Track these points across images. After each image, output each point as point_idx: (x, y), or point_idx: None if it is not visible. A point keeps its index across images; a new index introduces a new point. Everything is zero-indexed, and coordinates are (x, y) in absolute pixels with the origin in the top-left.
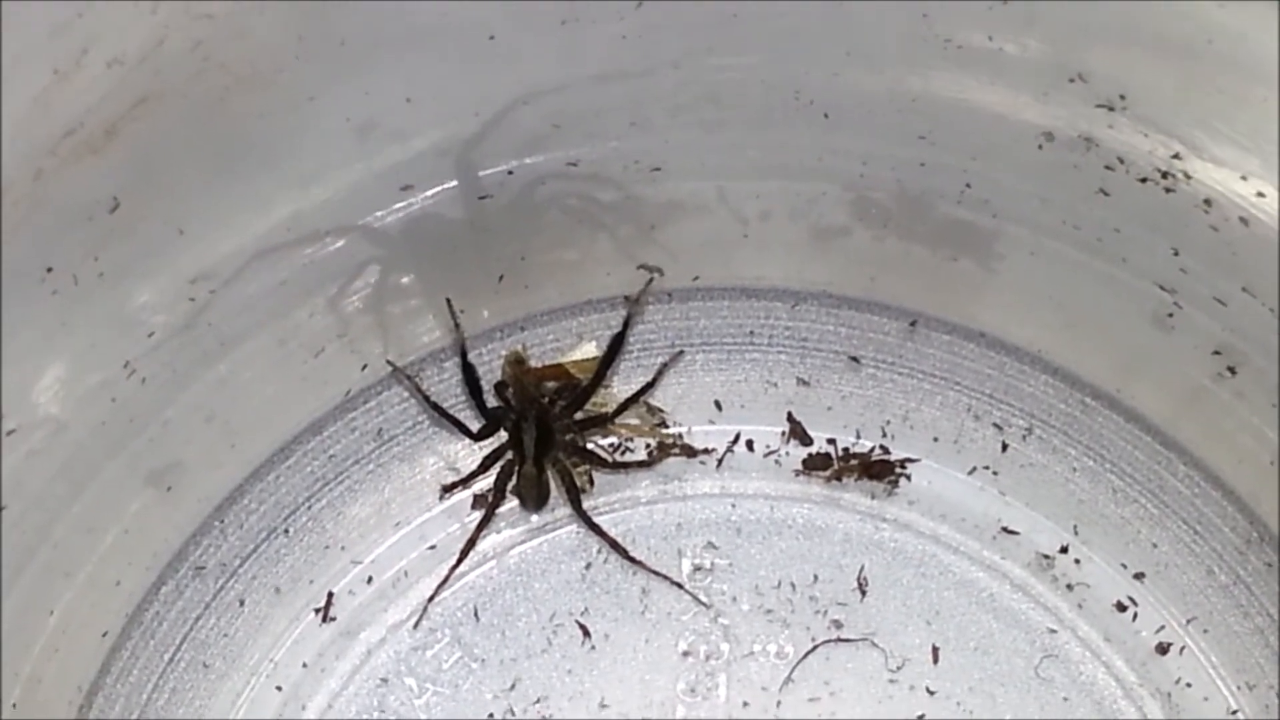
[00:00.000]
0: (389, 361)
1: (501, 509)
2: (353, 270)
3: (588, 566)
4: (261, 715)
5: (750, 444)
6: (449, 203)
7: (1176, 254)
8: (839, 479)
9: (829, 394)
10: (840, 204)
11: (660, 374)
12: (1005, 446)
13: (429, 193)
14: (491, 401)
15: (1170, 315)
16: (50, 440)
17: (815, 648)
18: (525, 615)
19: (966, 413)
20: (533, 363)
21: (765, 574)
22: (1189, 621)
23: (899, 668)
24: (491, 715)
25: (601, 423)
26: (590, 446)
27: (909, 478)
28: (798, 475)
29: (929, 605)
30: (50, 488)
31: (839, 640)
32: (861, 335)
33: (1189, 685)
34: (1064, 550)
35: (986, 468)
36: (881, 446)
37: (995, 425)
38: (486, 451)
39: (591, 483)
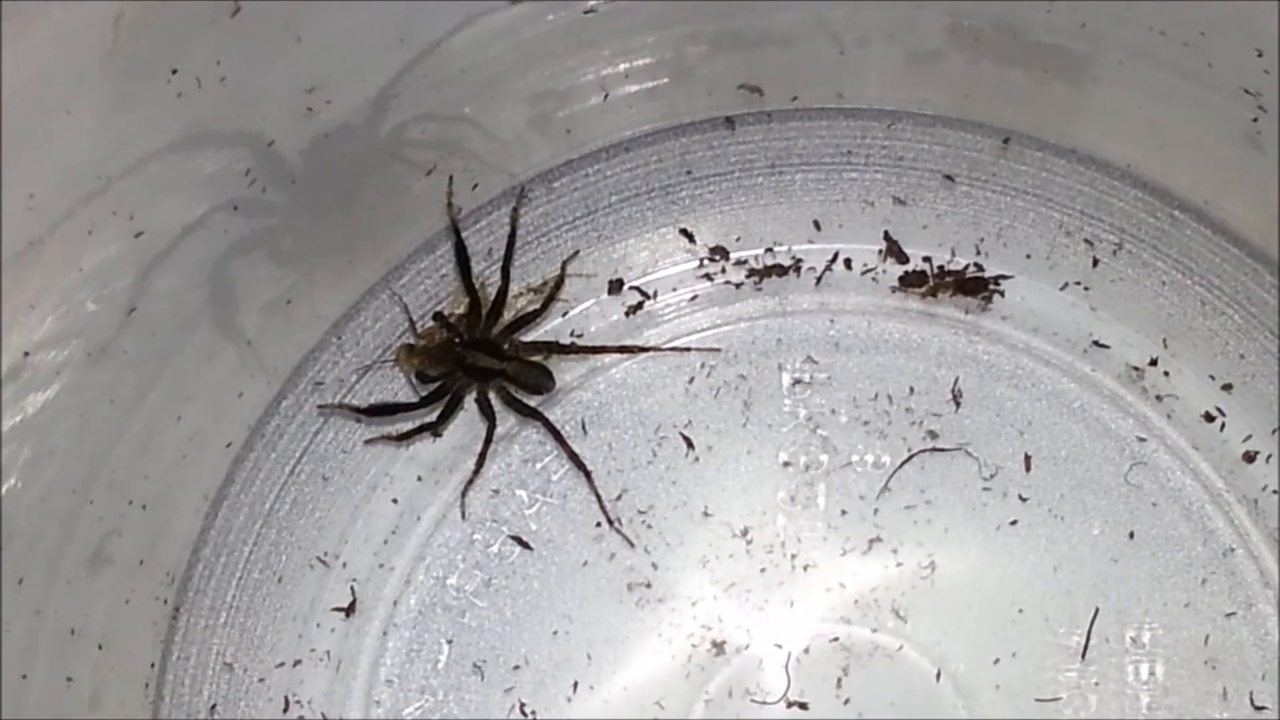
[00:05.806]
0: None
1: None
2: (462, 87)
3: (690, 381)
4: (379, 525)
5: (848, 262)
6: (552, 24)
7: (1260, 55)
8: (934, 295)
9: (924, 212)
10: (936, 29)
11: (514, 229)
12: (1096, 262)
13: (538, 26)
14: (423, 390)
15: (1255, 120)
16: (177, 243)
17: (911, 457)
18: (631, 428)
19: (1058, 229)
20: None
21: (862, 387)
22: (1275, 431)
23: (992, 475)
24: (599, 524)
25: (529, 319)
26: (535, 339)
27: (1002, 294)
28: (894, 292)
29: (1021, 416)
30: (180, 291)
31: (934, 450)
32: (956, 153)
33: (1276, 492)
34: (1153, 363)
35: (1078, 283)
36: (975, 264)
37: (1086, 241)
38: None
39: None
